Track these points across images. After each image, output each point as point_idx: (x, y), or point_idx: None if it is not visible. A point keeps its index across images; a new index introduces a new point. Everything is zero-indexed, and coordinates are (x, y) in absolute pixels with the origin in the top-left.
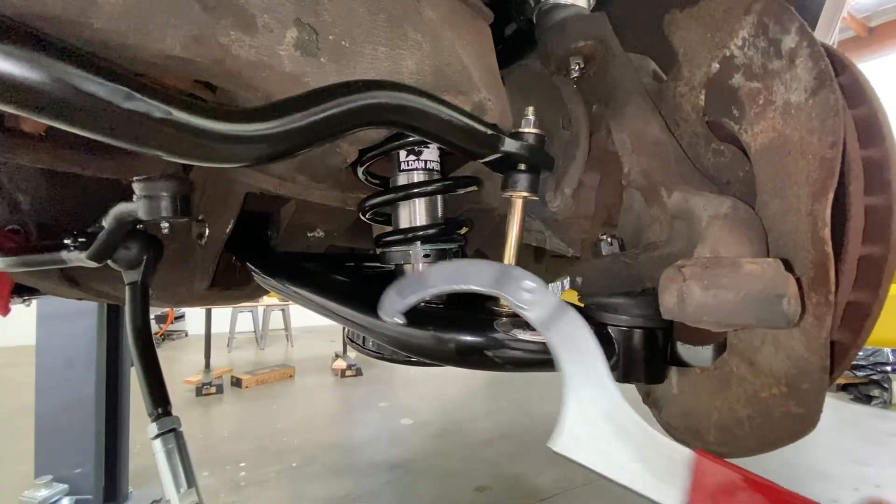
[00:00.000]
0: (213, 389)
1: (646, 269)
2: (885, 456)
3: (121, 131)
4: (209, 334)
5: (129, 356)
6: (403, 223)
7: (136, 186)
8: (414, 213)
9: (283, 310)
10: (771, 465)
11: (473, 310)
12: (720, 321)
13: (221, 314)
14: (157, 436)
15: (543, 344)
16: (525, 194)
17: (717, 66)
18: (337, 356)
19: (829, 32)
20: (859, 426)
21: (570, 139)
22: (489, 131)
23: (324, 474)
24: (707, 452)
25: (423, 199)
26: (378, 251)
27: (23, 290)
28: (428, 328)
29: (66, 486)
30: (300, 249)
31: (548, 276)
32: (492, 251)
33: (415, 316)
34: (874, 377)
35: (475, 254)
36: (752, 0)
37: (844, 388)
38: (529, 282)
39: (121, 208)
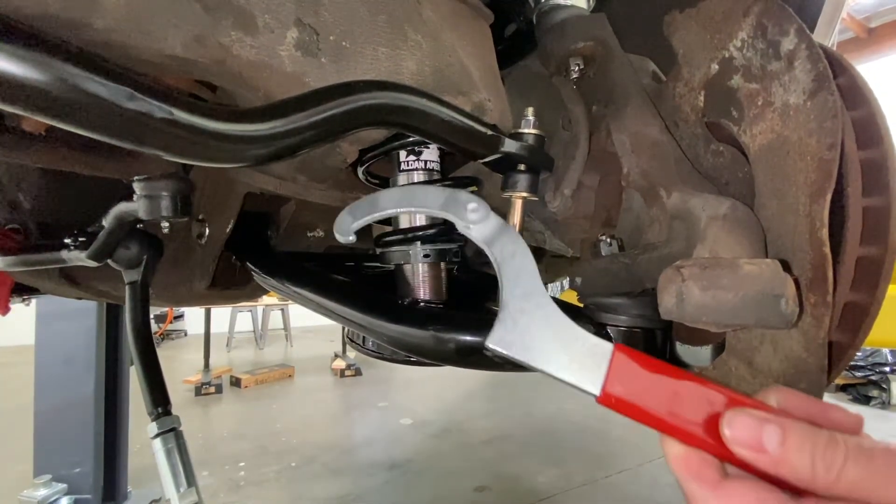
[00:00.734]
0: (213, 389)
1: (645, 269)
2: None
3: (122, 131)
4: (208, 334)
5: (128, 355)
6: (403, 223)
7: (137, 186)
8: (414, 214)
9: (282, 309)
10: None
11: (473, 310)
12: (719, 321)
13: (221, 314)
14: (157, 435)
15: None
16: (525, 195)
17: (717, 67)
18: (336, 356)
19: (829, 34)
20: None
21: (570, 140)
22: (489, 132)
23: (323, 474)
24: (627, 346)
25: None
26: (378, 251)
27: (22, 290)
28: (428, 328)
29: (64, 485)
30: (300, 249)
31: (547, 276)
32: None
33: (415, 316)
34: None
35: (475, 253)
36: (752, 2)
37: (843, 388)
38: (475, 203)
39: (121, 208)
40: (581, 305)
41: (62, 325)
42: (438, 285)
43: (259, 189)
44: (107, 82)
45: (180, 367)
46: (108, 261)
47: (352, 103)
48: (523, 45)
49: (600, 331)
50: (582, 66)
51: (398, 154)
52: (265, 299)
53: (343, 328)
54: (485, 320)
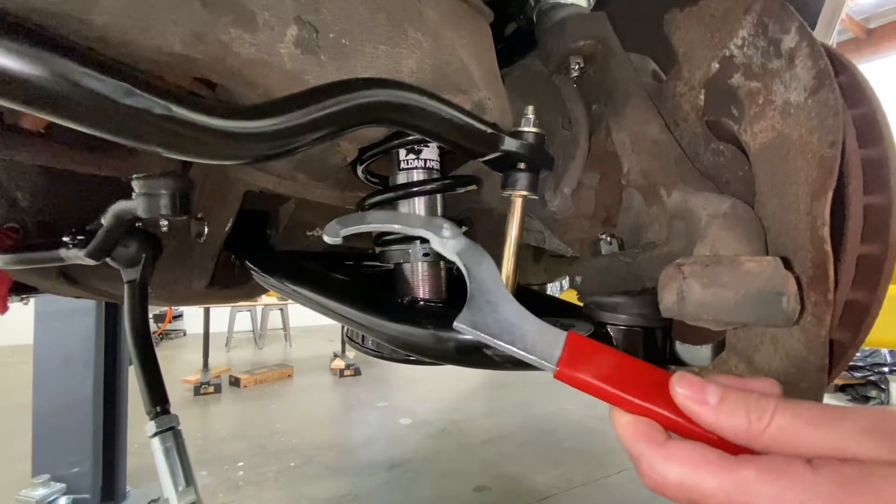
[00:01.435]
0: (212, 389)
1: (645, 268)
2: None
3: (121, 127)
4: (207, 333)
5: (126, 355)
6: None
7: (136, 184)
8: (413, 212)
9: (281, 309)
10: None
11: None
12: (720, 319)
13: (220, 313)
14: (156, 434)
15: None
16: (524, 193)
17: (717, 65)
18: (335, 356)
19: (828, 33)
20: None
21: (570, 139)
22: (489, 130)
23: (322, 474)
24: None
25: (422, 198)
26: (377, 250)
27: (21, 289)
28: (427, 327)
29: (63, 485)
30: (299, 248)
31: (547, 276)
32: (491, 250)
33: (414, 314)
34: (872, 378)
35: None
36: (752, 0)
37: (842, 388)
38: (448, 224)
39: (120, 206)
40: (581, 304)
41: (61, 325)
42: (438, 284)
43: (258, 187)
44: (105, 78)
45: (179, 366)
46: (107, 259)
47: (352, 101)
48: (523, 44)
49: (600, 330)
50: (582, 65)
51: (398, 153)
52: (264, 299)
53: (342, 328)
54: None
